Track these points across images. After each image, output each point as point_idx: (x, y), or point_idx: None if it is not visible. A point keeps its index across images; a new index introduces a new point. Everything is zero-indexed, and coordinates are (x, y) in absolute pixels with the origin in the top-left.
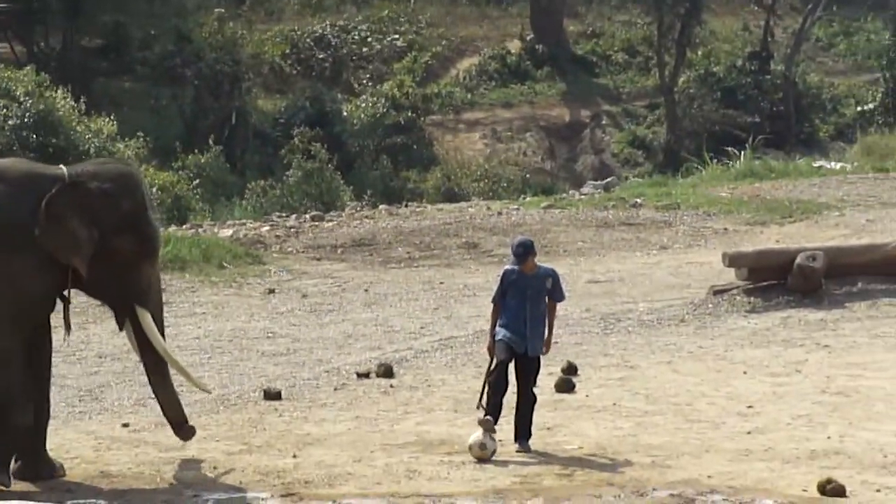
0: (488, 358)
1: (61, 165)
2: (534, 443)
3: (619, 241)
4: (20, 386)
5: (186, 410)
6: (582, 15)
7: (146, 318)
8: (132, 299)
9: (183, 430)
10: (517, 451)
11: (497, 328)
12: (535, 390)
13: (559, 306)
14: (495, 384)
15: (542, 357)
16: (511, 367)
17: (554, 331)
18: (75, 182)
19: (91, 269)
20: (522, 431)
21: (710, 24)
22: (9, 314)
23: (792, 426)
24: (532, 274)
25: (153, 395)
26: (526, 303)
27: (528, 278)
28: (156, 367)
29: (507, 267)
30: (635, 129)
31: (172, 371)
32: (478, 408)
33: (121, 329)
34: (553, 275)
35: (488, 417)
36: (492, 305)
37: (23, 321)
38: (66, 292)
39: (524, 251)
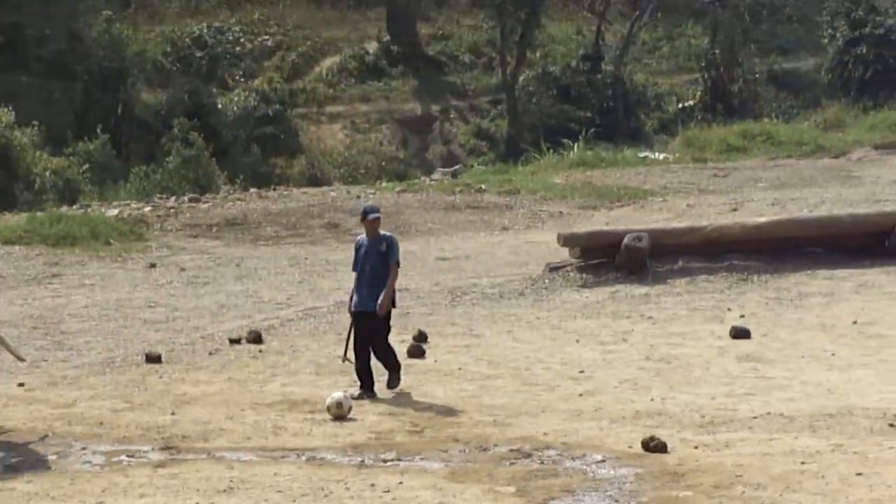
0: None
1: None
2: (387, 402)
3: (465, 223)
4: None
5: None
6: (433, 19)
7: None
8: None
9: None
10: (387, 388)
11: None
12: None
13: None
14: (355, 350)
15: (387, 315)
16: None
17: (397, 299)
18: None
19: None
20: (389, 375)
21: (547, 28)
22: None
23: (619, 389)
24: (372, 239)
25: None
26: (365, 265)
27: (370, 243)
28: None
29: (359, 237)
30: (480, 122)
31: None
32: (342, 361)
33: None
34: (388, 239)
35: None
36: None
37: None
38: None
39: (365, 211)
